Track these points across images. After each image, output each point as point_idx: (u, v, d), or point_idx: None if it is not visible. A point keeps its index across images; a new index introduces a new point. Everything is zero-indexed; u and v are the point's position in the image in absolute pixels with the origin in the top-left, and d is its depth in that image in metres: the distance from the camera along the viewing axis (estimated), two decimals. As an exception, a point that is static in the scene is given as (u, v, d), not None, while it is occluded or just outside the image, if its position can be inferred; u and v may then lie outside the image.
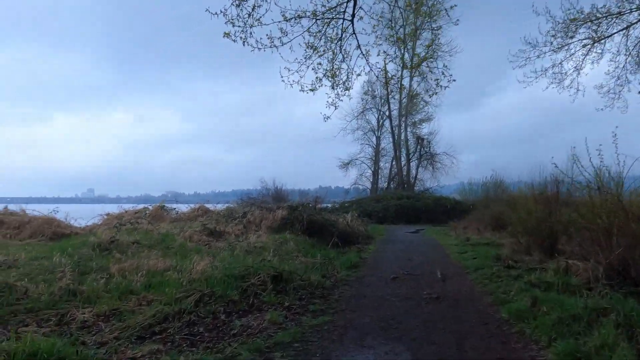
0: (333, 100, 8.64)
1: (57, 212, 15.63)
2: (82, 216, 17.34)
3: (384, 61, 9.80)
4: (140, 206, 19.60)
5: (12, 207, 14.97)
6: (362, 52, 8.59)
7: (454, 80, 7.37)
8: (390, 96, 42.99)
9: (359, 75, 8.92)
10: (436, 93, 7.90)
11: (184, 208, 21.39)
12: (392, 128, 43.03)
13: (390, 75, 9.81)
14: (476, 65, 74.30)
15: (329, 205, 33.60)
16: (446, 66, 7.44)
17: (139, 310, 5.77)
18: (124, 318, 5.45)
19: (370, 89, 42.32)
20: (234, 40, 7.47)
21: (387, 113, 43.56)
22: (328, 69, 8.24)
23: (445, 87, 7.46)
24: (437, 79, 7.45)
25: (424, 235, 20.23)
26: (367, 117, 44.34)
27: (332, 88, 8.41)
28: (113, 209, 19.90)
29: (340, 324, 5.44)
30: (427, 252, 12.88)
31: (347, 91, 8.49)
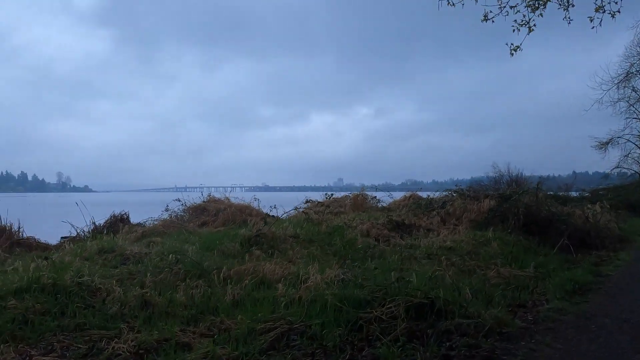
0: (524, 18, 5.28)
1: (258, 199, 15.70)
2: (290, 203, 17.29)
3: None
4: (342, 194, 18.59)
5: (216, 194, 15.64)
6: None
7: None
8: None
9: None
10: None
11: (395, 196, 19.62)
12: (671, 94, 32.55)
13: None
14: None
15: (576, 193, 27.26)
16: None
17: (196, 344, 4.01)
18: (161, 359, 3.75)
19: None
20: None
21: (663, 75, 33.19)
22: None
23: None
24: None
25: None
26: (633, 84, 34.76)
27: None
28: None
29: None
30: None
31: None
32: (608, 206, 14.75)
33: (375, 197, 18.16)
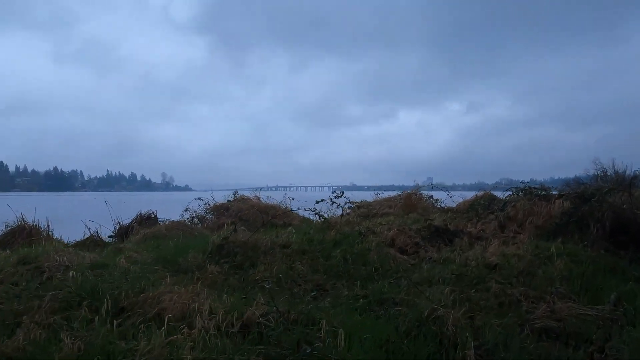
0: None
1: (293, 199, 13.98)
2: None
3: None
4: (393, 193, 16.28)
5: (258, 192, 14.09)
6: None
7: None
8: None
9: None
10: None
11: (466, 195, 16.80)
12: None
13: None
14: None
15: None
16: None
17: None
18: None
19: None
20: None
21: None
22: None
23: None
24: None
25: None
26: None
27: None
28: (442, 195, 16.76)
29: None
30: None
31: None
32: None
33: (432, 196, 15.60)
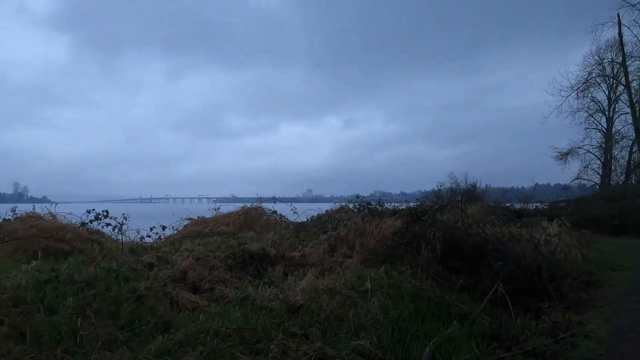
0: None
1: (104, 221, 11.29)
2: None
3: None
4: (235, 208, 14.35)
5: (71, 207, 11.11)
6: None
7: None
8: (628, 61, 29.73)
9: None
10: None
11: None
12: (631, 102, 29.79)
13: None
14: None
15: (533, 206, 24.04)
16: None
17: None
18: None
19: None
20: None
21: (623, 83, 30.43)
22: None
23: None
24: None
25: None
26: (592, 94, 31.94)
27: None
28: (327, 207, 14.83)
29: None
30: None
31: None
32: (568, 224, 11.16)
33: (276, 211, 14.04)
